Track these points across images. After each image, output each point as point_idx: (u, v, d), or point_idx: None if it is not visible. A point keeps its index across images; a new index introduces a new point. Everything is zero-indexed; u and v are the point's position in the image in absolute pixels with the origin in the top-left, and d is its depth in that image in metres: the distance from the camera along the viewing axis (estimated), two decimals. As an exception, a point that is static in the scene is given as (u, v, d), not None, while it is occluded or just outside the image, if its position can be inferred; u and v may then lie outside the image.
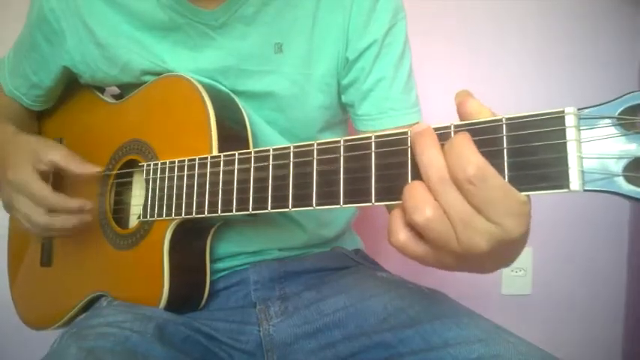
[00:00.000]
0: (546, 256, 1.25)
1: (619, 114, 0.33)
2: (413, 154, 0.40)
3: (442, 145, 0.38)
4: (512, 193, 0.37)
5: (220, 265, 0.74)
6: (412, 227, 0.40)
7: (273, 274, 0.74)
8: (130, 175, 0.75)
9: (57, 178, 0.77)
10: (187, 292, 0.69)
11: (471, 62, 1.23)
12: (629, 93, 0.33)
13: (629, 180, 0.33)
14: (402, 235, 0.40)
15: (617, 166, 0.33)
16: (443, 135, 0.39)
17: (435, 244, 0.39)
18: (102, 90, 0.85)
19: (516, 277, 1.26)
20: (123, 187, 0.76)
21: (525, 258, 1.25)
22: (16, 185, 0.69)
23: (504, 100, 1.13)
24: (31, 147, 0.72)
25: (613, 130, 0.34)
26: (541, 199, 0.38)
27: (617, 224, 1.26)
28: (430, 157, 0.38)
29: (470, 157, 0.36)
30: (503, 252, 0.41)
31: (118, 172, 0.74)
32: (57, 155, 0.70)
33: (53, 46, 0.76)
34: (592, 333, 1.27)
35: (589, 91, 1.22)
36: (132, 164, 0.73)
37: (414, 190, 0.39)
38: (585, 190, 0.34)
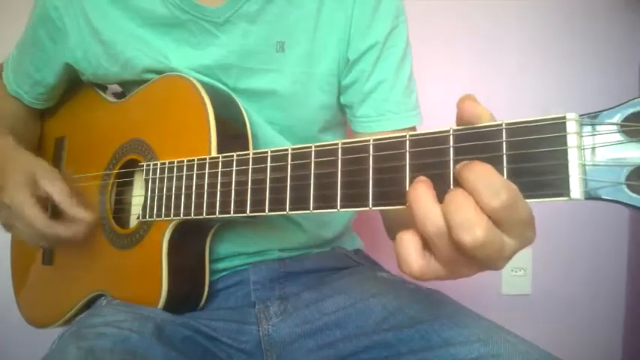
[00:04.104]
0: (546, 256, 1.25)
1: (622, 120, 0.32)
2: (445, 216, 0.36)
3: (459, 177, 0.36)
4: (527, 206, 0.36)
5: (220, 265, 0.74)
6: (428, 247, 0.38)
7: (273, 275, 0.74)
8: (132, 174, 0.75)
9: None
10: (186, 293, 0.69)
11: (471, 64, 1.23)
12: (633, 99, 0.32)
13: (632, 189, 0.32)
14: (417, 264, 0.38)
15: (620, 174, 0.32)
16: (441, 139, 0.39)
17: (481, 263, 0.38)
18: (104, 88, 0.85)
19: (516, 277, 1.25)
20: (124, 187, 0.76)
21: (525, 258, 1.25)
22: (12, 208, 0.68)
23: (504, 101, 1.13)
24: (28, 169, 0.70)
25: (616, 137, 0.33)
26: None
27: (618, 224, 1.26)
28: (463, 218, 0.35)
29: (498, 183, 0.35)
30: None
31: (119, 171, 0.74)
32: (54, 190, 0.69)
33: (56, 43, 0.76)
34: (592, 333, 1.27)
35: (589, 91, 1.22)
36: (133, 164, 0.73)
37: (463, 204, 0.35)
38: (587, 199, 0.33)
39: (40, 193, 0.69)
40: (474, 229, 0.34)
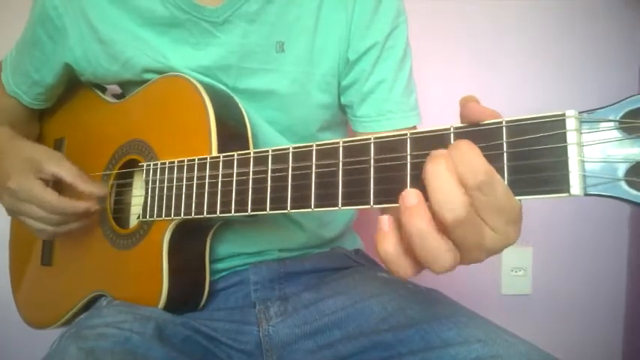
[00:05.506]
0: (546, 256, 1.25)
1: (621, 117, 0.33)
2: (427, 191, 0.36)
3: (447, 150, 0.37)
4: (513, 200, 0.36)
5: (220, 265, 0.74)
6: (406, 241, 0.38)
7: (273, 275, 0.75)
8: (131, 175, 0.75)
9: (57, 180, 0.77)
10: (186, 293, 0.69)
11: (471, 63, 1.23)
12: (631, 96, 0.33)
13: (631, 184, 0.32)
14: (391, 244, 0.38)
15: (619, 171, 0.33)
16: (442, 137, 0.39)
17: (463, 247, 0.37)
18: (103, 89, 0.85)
19: (516, 277, 1.25)
20: (124, 187, 0.76)
21: (525, 258, 1.25)
22: (21, 193, 0.70)
23: (504, 101, 1.12)
24: (30, 155, 0.72)
25: (615, 134, 0.33)
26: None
27: (618, 224, 1.26)
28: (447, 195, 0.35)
29: (478, 165, 0.35)
30: None
31: (119, 171, 0.74)
32: (63, 170, 0.70)
33: (55, 43, 0.76)
34: (592, 333, 1.27)
35: (589, 91, 1.22)
36: (132, 164, 0.73)
37: (446, 185, 0.35)
38: (586, 195, 0.33)
39: (44, 177, 0.70)
40: (454, 206, 0.35)
